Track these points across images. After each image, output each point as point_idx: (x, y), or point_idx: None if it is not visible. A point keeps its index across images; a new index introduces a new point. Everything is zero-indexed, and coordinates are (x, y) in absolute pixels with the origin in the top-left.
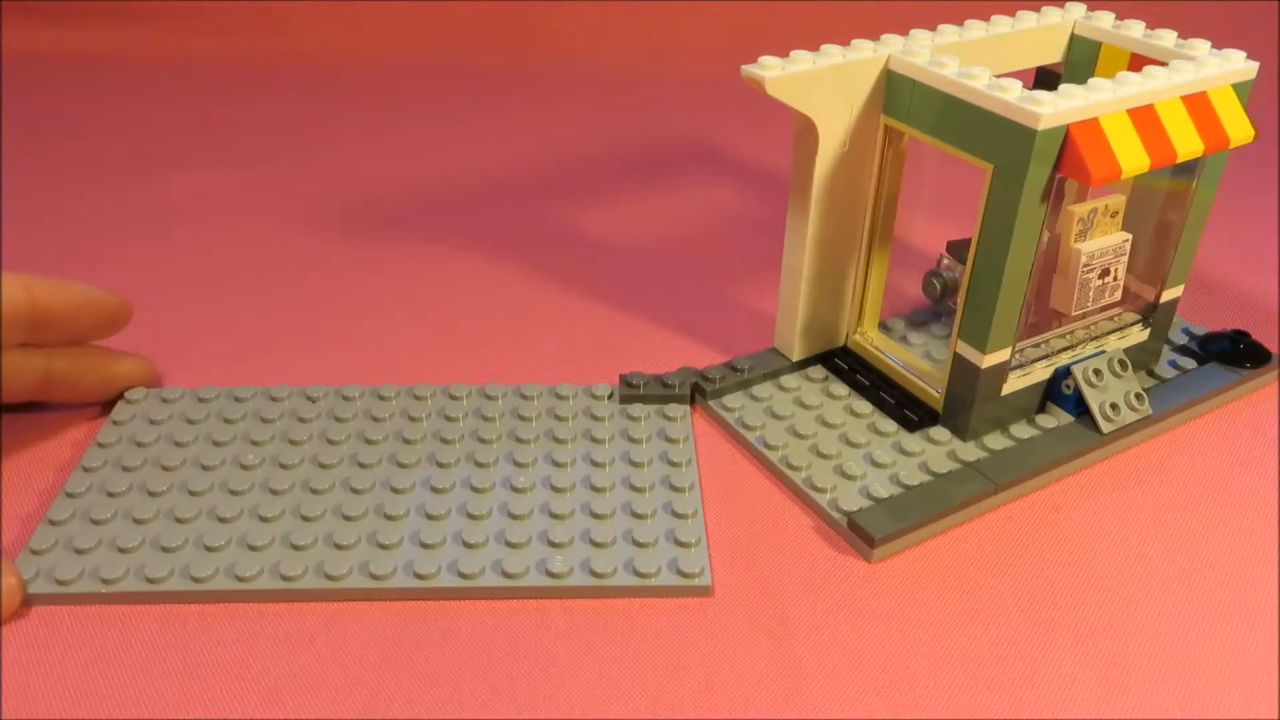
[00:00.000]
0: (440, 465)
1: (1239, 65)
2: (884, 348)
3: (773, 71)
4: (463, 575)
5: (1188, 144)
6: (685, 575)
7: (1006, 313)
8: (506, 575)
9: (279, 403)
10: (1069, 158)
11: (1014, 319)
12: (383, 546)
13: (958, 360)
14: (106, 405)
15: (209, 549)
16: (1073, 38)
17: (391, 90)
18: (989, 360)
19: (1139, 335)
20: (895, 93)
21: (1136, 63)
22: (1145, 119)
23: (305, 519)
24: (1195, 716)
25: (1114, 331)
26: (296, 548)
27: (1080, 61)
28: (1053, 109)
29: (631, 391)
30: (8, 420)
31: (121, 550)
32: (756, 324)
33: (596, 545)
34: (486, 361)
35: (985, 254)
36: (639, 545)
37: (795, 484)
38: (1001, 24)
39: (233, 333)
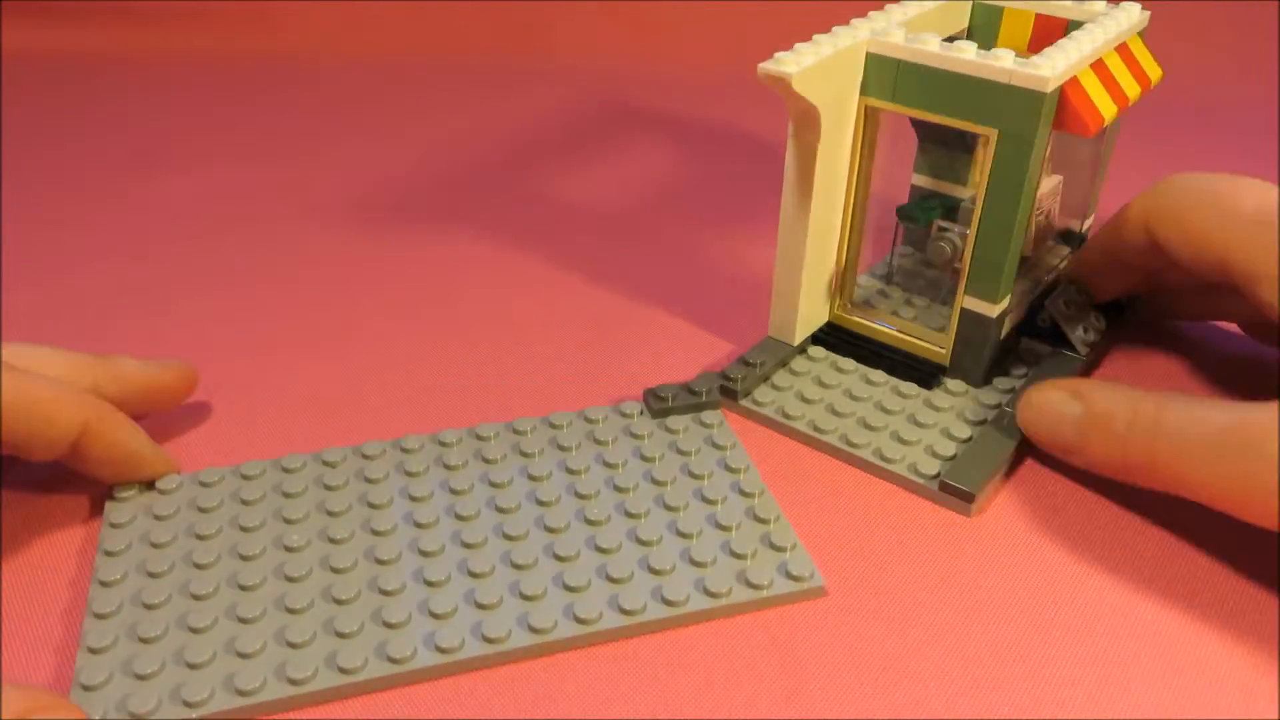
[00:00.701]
0: (502, 510)
1: (1138, 16)
2: (870, 316)
3: (791, 67)
4: (579, 620)
5: (1132, 88)
6: (796, 579)
7: (1011, 264)
8: (625, 613)
9: (295, 474)
10: (1068, 114)
11: (1015, 269)
12: (483, 606)
13: (965, 314)
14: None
15: (293, 645)
16: (975, 6)
17: (393, 90)
18: (998, 310)
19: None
20: (878, 73)
21: (1042, 23)
22: (1102, 71)
23: (385, 593)
24: (1195, 716)
25: (1056, 264)
26: (390, 625)
27: (982, 28)
28: (1052, 72)
29: (661, 405)
30: None
31: (192, 666)
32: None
33: (698, 565)
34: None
35: (993, 213)
36: (739, 557)
37: (863, 459)
38: (910, 6)
39: (228, 336)
